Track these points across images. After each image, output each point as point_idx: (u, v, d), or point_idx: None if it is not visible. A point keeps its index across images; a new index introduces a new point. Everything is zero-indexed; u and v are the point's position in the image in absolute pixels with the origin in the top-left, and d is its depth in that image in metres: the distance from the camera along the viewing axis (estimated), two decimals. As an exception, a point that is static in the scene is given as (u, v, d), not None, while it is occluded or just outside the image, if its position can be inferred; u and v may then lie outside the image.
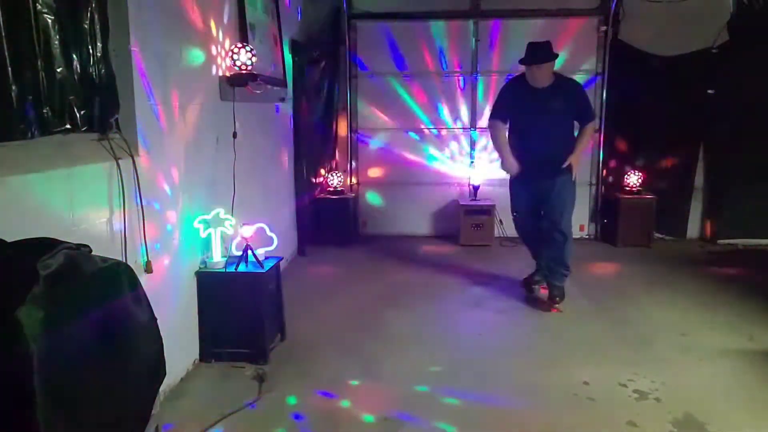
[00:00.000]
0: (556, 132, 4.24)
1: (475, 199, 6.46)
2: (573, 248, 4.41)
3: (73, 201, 2.35)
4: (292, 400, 3.05)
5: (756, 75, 6.00)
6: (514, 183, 4.47)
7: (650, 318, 4.23)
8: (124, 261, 2.36)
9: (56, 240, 1.76)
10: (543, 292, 4.62)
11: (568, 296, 4.69)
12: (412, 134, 6.76)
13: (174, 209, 3.18)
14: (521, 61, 4.18)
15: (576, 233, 6.70)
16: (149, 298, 2.05)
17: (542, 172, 4.26)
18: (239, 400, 3.00)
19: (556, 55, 4.20)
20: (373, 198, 6.91)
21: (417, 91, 6.67)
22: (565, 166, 4.24)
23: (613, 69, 6.36)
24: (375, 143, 6.85)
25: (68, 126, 2.34)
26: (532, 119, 4.22)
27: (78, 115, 2.40)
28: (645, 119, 6.37)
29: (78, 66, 2.40)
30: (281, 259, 3.80)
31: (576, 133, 4.34)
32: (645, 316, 4.27)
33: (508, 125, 4.40)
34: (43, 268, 1.58)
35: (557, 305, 4.38)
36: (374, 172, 6.89)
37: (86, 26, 2.45)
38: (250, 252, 3.50)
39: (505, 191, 4.66)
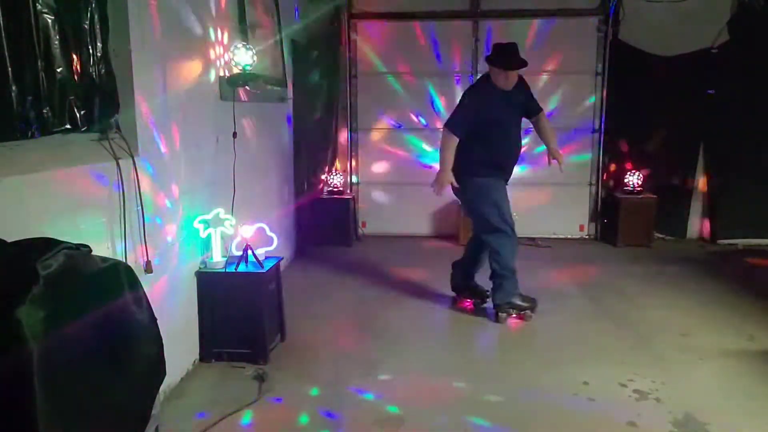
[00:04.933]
0: (519, 128, 4.22)
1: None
2: None
3: (73, 201, 2.35)
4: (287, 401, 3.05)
5: (756, 75, 6.01)
6: (491, 185, 4.08)
7: (650, 318, 4.22)
8: (124, 261, 2.36)
9: (56, 240, 1.76)
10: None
11: (568, 296, 4.69)
12: (412, 134, 6.76)
13: (174, 209, 3.18)
14: (501, 64, 3.97)
15: (576, 233, 6.74)
16: (149, 298, 2.05)
17: (509, 174, 4.21)
18: (239, 400, 3.00)
19: None
20: (372, 198, 6.90)
21: (417, 91, 6.67)
22: (554, 163, 4.20)
23: (613, 69, 6.36)
24: (375, 143, 6.85)
25: (68, 126, 2.34)
26: (506, 124, 4.09)
27: (78, 115, 2.40)
28: (645, 119, 6.37)
29: (78, 66, 2.40)
30: (281, 259, 3.80)
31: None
32: (645, 316, 4.27)
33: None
34: (43, 268, 1.59)
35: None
36: (374, 172, 6.88)
37: (86, 26, 2.45)
38: (250, 252, 3.50)
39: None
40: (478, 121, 4.03)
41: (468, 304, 4.47)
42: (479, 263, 4.40)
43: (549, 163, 4.26)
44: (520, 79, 4.17)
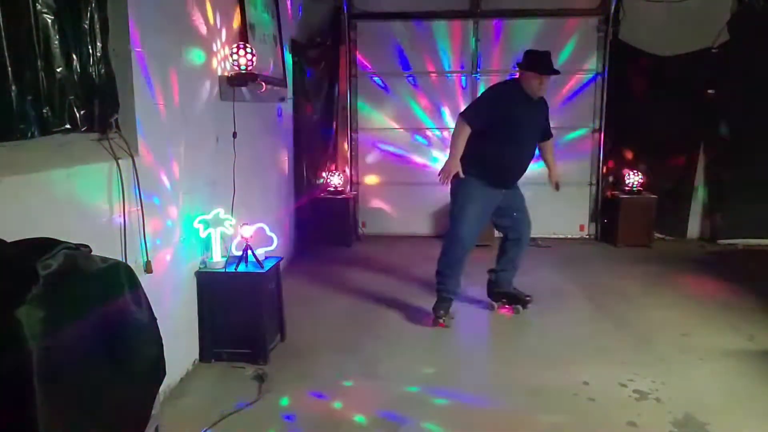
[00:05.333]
0: (534, 145, 4.20)
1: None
2: None
3: (73, 201, 2.35)
4: (287, 401, 3.05)
5: (756, 75, 6.01)
6: (475, 193, 4.04)
7: (650, 318, 4.22)
8: (124, 261, 2.36)
9: (56, 240, 1.75)
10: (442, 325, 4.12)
11: (568, 296, 4.68)
12: (412, 134, 6.76)
13: (174, 209, 3.18)
14: (542, 70, 3.92)
15: (576, 233, 6.75)
16: (149, 298, 2.05)
17: (507, 183, 4.14)
18: (239, 400, 3.00)
19: None
20: (372, 198, 6.91)
21: (417, 91, 6.67)
22: (555, 186, 4.38)
23: (613, 69, 6.36)
24: (375, 143, 6.84)
25: (68, 126, 2.34)
26: (523, 131, 4.01)
27: (78, 115, 2.39)
28: (645, 119, 6.36)
29: (78, 66, 2.40)
30: (281, 259, 3.80)
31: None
32: (645, 316, 4.27)
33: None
34: (43, 268, 1.58)
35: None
36: (374, 172, 6.89)
37: (86, 26, 2.44)
38: (250, 252, 3.50)
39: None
40: (494, 118, 3.96)
41: (507, 310, 4.36)
42: (512, 265, 4.34)
43: (552, 186, 4.41)
44: (544, 100, 4.20)
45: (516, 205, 4.23)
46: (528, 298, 4.32)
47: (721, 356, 3.59)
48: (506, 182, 4.13)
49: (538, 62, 3.95)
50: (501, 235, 4.45)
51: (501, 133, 3.96)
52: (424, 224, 6.87)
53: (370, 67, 6.69)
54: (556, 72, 4.05)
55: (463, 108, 4.57)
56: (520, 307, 4.33)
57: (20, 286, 1.52)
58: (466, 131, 3.98)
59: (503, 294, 4.37)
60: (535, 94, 3.99)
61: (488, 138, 3.98)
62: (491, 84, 6.44)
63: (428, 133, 6.73)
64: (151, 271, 2.81)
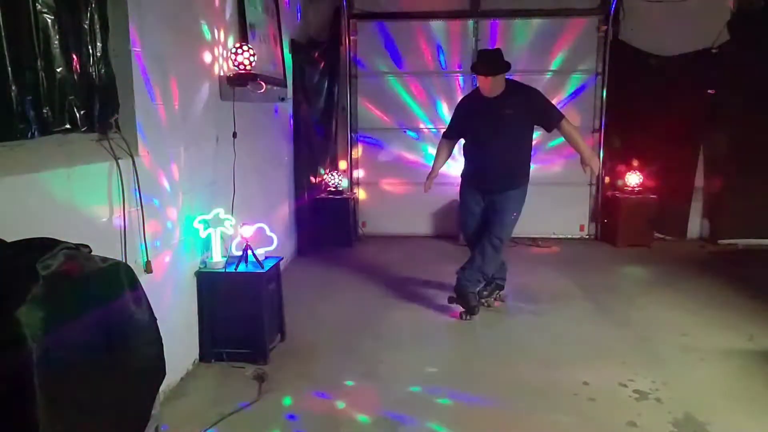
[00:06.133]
0: (510, 142, 4.06)
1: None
2: (499, 262, 4.29)
3: (73, 201, 2.35)
4: (288, 401, 3.05)
5: (756, 75, 6.00)
6: (466, 197, 4.29)
7: (650, 318, 4.22)
8: (124, 261, 2.36)
9: (56, 240, 1.76)
10: (498, 305, 4.43)
11: (569, 296, 4.69)
12: (411, 134, 6.77)
13: (174, 209, 3.18)
14: (472, 69, 4.16)
15: (576, 233, 6.74)
16: (149, 298, 2.05)
17: (495, 185, 4.09)
18: (239, 400, 3.00)
19: (508, 66, 3.99)
20: (372, 198, 6.91)
21: (417, 90, 6.67)
22: (589, 171, 4.21)
23: (613, 69, 6.36)
24: (375, 143, 6.85)
25: (68, 126, 2.34)
26: (486, 130, 4.04)
27: (78, 115, 2.39)
28: (645, 119, 6.37)
29: (78, 66, 2.40)
30: (281, 259, 3.79)
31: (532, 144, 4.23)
32: (645, 316, 4.27)
33: (453, 143, 4.45)
34: (43, 268, 1.58)
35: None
36: (374, 172, 6.89)
37: (86, 26, 2.45)
38: (250, 252, 3.50)
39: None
40: (460, 125, 4.32)
41: (455, 312, 4.25)
42: (471, 263, 4.20)
43: (584, 170, 4.23)
44: (524, 91, 4.12)
45: (489, 217, 4.15)
46: (471, 311, 4.17)
47: (721, 356, 3.59)
48: (484, 185, 4.17)
49: (475, 63, 4.12)
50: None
51: (468, 138, 4.28)
52: (424, 224, 6.88)
53: (369, 67, 6.69)
54: (492, 72, 3.93)
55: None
56: (465, 313, 4.19)
57: (20, 286, 1.52)
58: (443, 142, 4.48)
59: (460, 293, 4.20)
60: (485, 93, 4.06)
61: (465, 146, 4.33)
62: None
63: (427, 132, 6.73)
64: (151, 271, 2.82)
